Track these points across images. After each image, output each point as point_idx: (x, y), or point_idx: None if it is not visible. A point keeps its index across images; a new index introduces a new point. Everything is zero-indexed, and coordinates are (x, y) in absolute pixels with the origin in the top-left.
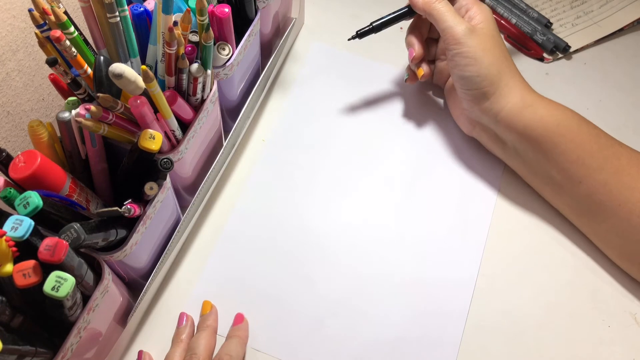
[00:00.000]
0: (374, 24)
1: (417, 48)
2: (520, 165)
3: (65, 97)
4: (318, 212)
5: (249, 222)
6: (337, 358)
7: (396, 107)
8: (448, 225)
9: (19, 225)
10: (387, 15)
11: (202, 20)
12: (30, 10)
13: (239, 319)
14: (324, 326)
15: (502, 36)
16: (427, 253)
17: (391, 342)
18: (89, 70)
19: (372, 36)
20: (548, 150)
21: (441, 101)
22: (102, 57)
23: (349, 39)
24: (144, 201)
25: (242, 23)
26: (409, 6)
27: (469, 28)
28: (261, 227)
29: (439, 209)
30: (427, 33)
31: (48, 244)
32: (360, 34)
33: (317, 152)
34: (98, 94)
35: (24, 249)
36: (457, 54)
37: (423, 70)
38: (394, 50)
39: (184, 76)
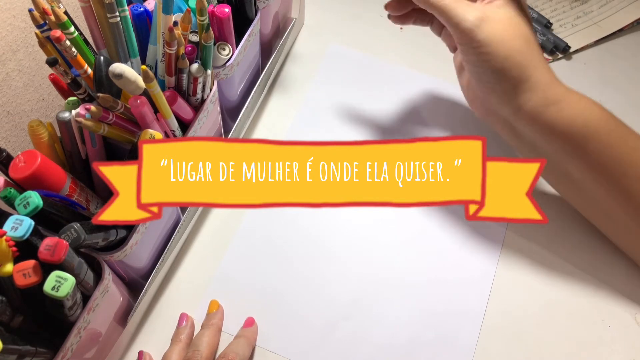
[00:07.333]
0: None
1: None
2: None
3: (65, 97)
4: (325, 213)
5: (257, 222)
6: None
7: (409, 110)
8: (465, 225)
9: (19, 225)
10: None
11: (202, 20)
12: (30, 10)
13: (250, 322)
14: (337, 329)
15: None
16: (442, 254)
17: (405, 345)
18: (89, 70)
19: (386, 38)
20: (571, 151)
21: (458, 102)
22: (102, 57)
23: None
24: None
25: (242, 23)
26: None
27: (480, 17)
28: (269, 227)
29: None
30: None
31: (48, 244)
32: None
33: None
34: (98, 94)
35: (24, 249)
36: (465, 50)
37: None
38: (407, 53)
39: (184, 76)
